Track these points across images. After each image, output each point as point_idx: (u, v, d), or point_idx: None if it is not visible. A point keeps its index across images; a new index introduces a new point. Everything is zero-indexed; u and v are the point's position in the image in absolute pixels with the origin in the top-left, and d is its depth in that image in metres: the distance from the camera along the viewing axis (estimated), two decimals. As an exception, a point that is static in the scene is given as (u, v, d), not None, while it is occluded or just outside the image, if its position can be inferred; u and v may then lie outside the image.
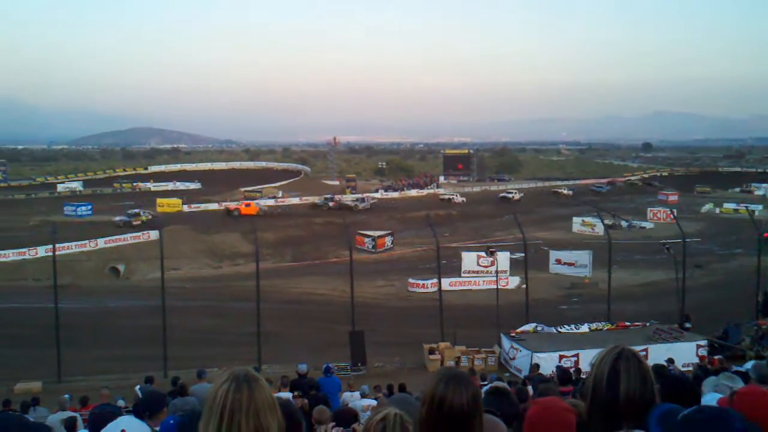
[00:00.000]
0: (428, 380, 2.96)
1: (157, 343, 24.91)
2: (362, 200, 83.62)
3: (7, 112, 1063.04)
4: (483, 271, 44.08)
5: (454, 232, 60.84)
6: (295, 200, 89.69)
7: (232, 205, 78.72)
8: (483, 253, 43.53)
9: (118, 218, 67.03)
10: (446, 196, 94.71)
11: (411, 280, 44.78)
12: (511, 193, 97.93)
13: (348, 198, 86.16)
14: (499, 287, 32.45)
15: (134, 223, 65.51)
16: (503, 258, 41.17)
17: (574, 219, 68.47)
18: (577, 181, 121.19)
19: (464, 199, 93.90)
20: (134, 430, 3.62)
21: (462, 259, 45.41)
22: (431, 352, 26.11)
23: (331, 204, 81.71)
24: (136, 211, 69.42)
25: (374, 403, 14.15)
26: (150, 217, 67.42)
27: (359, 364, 25.43)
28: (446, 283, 36.50)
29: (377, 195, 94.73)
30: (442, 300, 28.30)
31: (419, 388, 14.57)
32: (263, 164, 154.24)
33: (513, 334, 26.48)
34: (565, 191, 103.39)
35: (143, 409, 6.47)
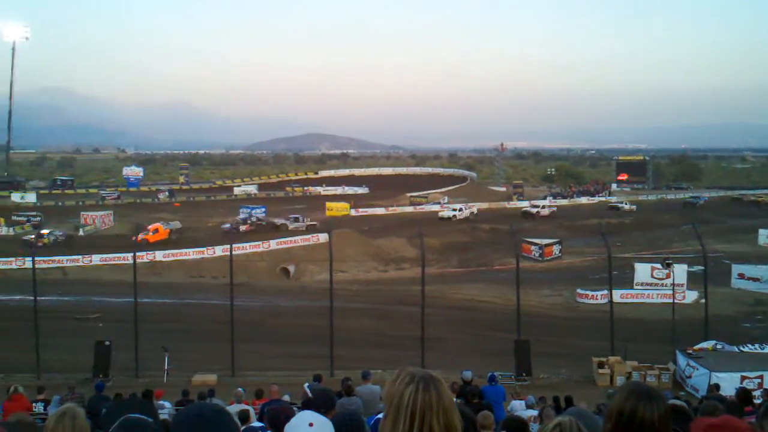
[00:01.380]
0: (614, 395, 2.82)
1: (324, 342, 25.46)
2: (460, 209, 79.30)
3: (191, 119, 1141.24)
4: (658, 284, 41.84)
5: (626, 242, 58.12)
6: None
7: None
8: (658, 265, 41.30)
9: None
10: (615, 204, 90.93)
11: (579, 291, 43.30)
12: (697, 199, 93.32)
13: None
14: (675, 301, 30.65)
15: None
16: (680, 270, 38.83)
17: (761, 231, 63.53)
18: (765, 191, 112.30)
19: (634, 207, 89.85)
20: (321, 425, 3.53)
21: (635, 270, 43.36)
22: (600, 365, 24.99)
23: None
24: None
25: (536, 413, 13.65)
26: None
27: (524, 374, 24.76)
28: (617, 295, 34.80)
29: (544, 202, 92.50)
30: (613, 312, 27.02)
31: (587, 402, 13.89)
32: (429, 170, 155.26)
33: (690, 352, 24.83)
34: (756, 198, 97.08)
35: (315, 407, 6.44)
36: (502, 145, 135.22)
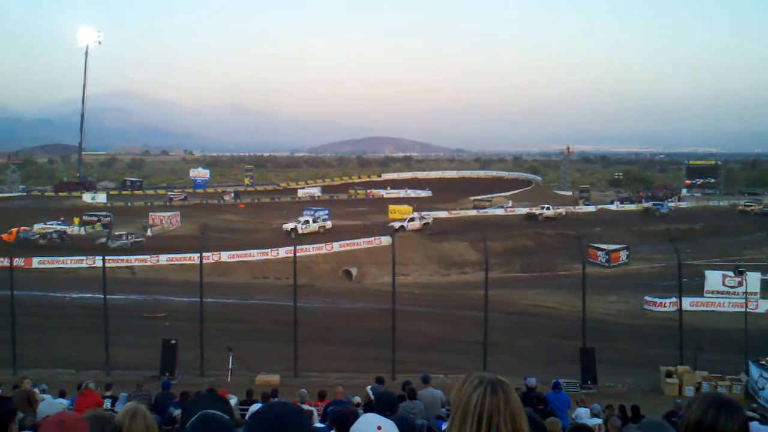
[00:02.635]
0: (691, 405, 2.73)
1: (386, 345, 25.40)
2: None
3: (255, 122, 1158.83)
4: (729, 292, 40.60)
5: (696, 249, 56.54)
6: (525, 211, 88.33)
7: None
8: (730, 273, 40.11)
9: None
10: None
11: (647, 298, 42.31)
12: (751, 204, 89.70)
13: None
14: (748, 310, 29.64)
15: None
16: (753, 279, 37.65)
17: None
18: None
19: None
20: (388, 428, 3.52)
21: (705, 277, 42.17)
22: (668, 375, 24.32)
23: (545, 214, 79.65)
24: None
25: (601, 422, 13.38)
26: None
27: (589, 382, 24.25)
28: (687, 303, 33.89)
29: (612, 206, 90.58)
30: (682, 320, 26.27)
31: (654, 412, 13.51)
32: (494, 173, 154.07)
33: (763, 362, 23.94)
34: None
35: (378, 409, 6.46)
36: (568, 148, 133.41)
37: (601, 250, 56.23)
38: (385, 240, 55.28)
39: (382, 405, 6.84)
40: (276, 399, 15.99)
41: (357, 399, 15.66)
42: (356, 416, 7.10)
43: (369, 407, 11.27)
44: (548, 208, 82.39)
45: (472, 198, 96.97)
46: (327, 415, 11.10)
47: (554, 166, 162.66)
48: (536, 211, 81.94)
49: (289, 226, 66.36)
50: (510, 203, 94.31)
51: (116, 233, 60.67)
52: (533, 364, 25.80)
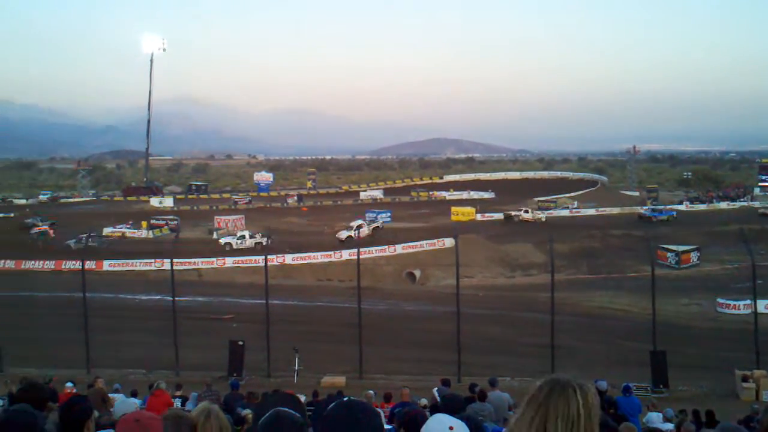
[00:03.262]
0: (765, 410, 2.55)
1: (450, 347, 25.24)
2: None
3: (316, 125, 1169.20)
4: (809, 295, 39.06)
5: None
6: (591, 211, 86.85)
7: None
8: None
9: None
10: (762, 210, 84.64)
11: (720, 300, 41.14)
12: None
13: None
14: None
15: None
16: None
17: None
18: None
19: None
20: (460, 429, 3.51)
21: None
22: (744, 379, 23.53)
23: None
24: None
25: (673, 427, 12.99)
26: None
27: (660, 386, 23.65)
28: (761, 305, 32.74)
29: (681, 207, 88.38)
30: (758, 323, 25.39)
31: (729, 417, 13.04)
32: (558, 174, 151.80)
33: None
34: None
35: (444, 411, 6.37)
36: (634, 147, 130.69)
37: (671, 251, 54.83)
38: (449, 242, 54.98)
39: (450, 407, 6.77)
40: (347, 398, 16.00)
41: (423, 401, 15.57)
42: (425, 417, 7.13)
43: (436, 409, 11.17)
44: (526, 211, 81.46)
45: (536, 199, 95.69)
46: (393, 416, 11.03)
47: (620, 166, 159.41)
48: (513, 212, 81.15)
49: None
50: (575, 204, 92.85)
51: (80, 235, 59.70)
52: (602, 367, 25.23)
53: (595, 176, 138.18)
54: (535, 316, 34.27)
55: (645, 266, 36.22)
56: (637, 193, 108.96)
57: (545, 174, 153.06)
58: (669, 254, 54.42)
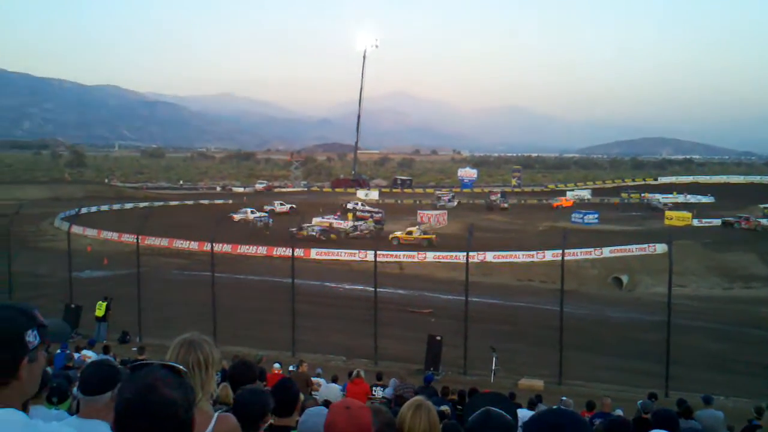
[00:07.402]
0: None
1: (657, 359, 23.68)
2: None
3: (525, 123, 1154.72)
4: None
5: None
6: None
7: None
8: None
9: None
10: None
11: None
12: None
13: None
14: None
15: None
16: None
17: None
18: None
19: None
20: None
21: None
22: None
23: None
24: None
25: None
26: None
27: None
28: None
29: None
30: None
31: None
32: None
33: None
34: None
35: (657, 426, 6.39)
36: None
37: None
38: (660, 247, 51.96)
39: (662, 422, 6.34)
40: (539, 404, 15.55)
41: (618, 411, 14.89)
42: (631, 429, 6.79)
43: (639, 423, 10.47)
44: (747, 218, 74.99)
45: (762, 206, 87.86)
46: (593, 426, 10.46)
47: None
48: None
49: None
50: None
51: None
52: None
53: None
54: (756, 332, 31.73)
55: None
56: None
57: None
58: None
